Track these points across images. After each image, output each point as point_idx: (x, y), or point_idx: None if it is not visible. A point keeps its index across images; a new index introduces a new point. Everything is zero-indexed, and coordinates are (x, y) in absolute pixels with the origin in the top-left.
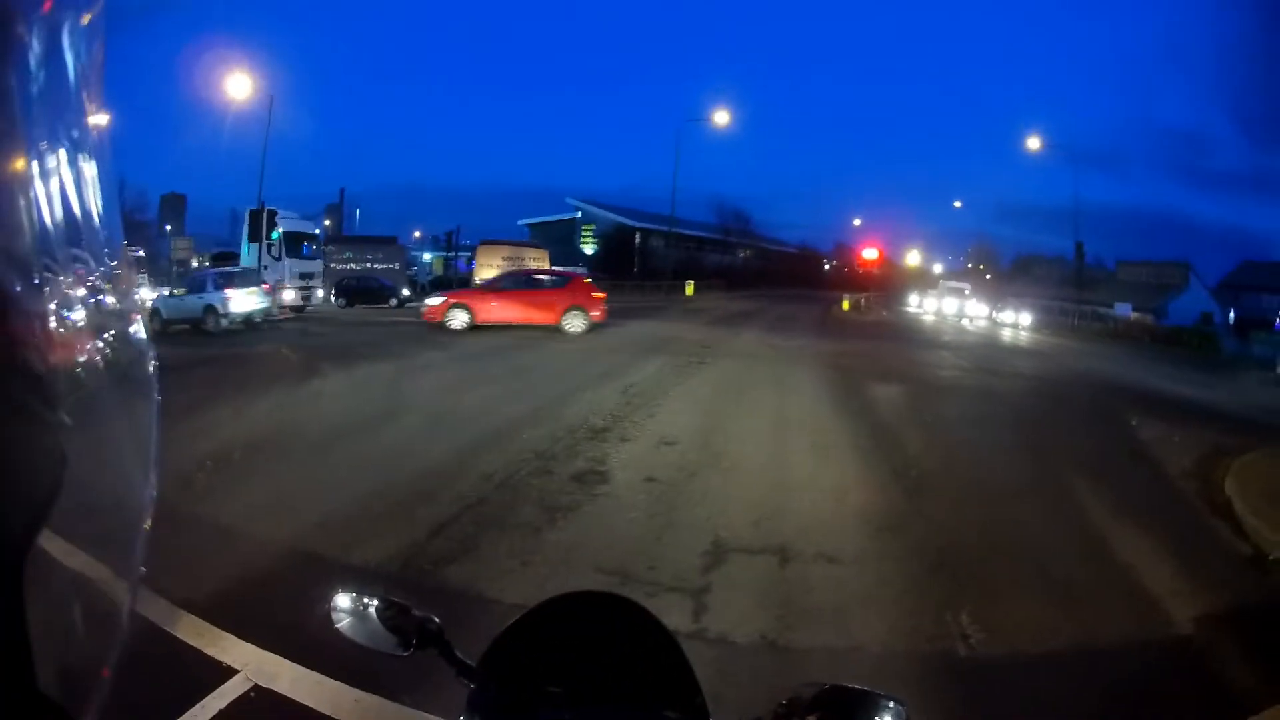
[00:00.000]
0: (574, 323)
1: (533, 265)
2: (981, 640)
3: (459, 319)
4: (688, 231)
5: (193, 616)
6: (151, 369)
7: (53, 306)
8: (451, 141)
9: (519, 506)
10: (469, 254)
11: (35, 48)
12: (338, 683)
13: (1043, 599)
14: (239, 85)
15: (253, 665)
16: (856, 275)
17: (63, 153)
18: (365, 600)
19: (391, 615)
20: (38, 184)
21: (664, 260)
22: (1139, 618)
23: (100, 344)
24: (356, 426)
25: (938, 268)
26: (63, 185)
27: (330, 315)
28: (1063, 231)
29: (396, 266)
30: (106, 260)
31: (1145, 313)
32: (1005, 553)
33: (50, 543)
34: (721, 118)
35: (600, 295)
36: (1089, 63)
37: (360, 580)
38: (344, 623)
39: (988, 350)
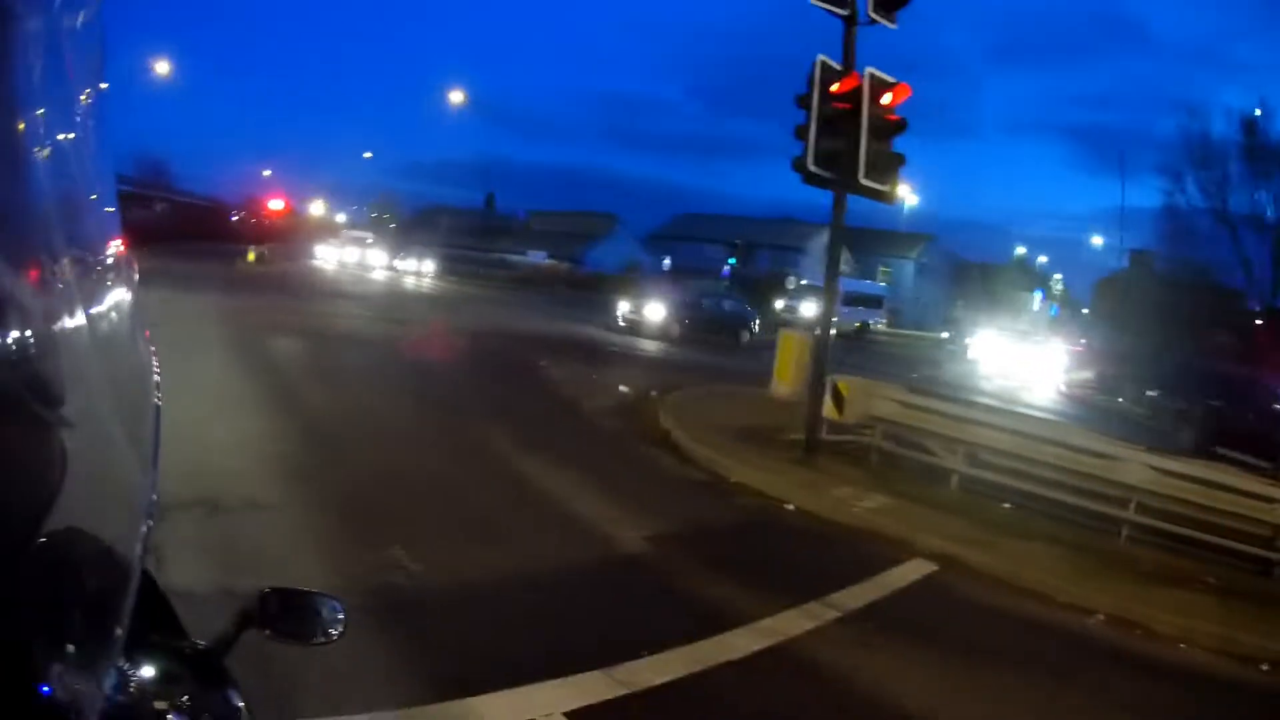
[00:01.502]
0: None
1: None
2: (420, 572)
3: None
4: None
5: None
6: (152, 367)
7: (53, 304)
8: None
9: None
10: None
11: (35, 44)
12: None
13: (489, 535)
14: None
15: None
16: (264, 227)
17: (62, 149)
18: None
19: None
20: (37, 180)
21: None
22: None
23: (101, 342)
24: None
25: (342, 218)
26: (62, 182)
27: None
28: (476, 185)
29: None
30: (106, 257)
31: (562, 260)
32: (438, 495)
33: (50, 542)
34: (160, 68)
35: None
36: (522, 27)
37: None
38: None
39: (385, 300)
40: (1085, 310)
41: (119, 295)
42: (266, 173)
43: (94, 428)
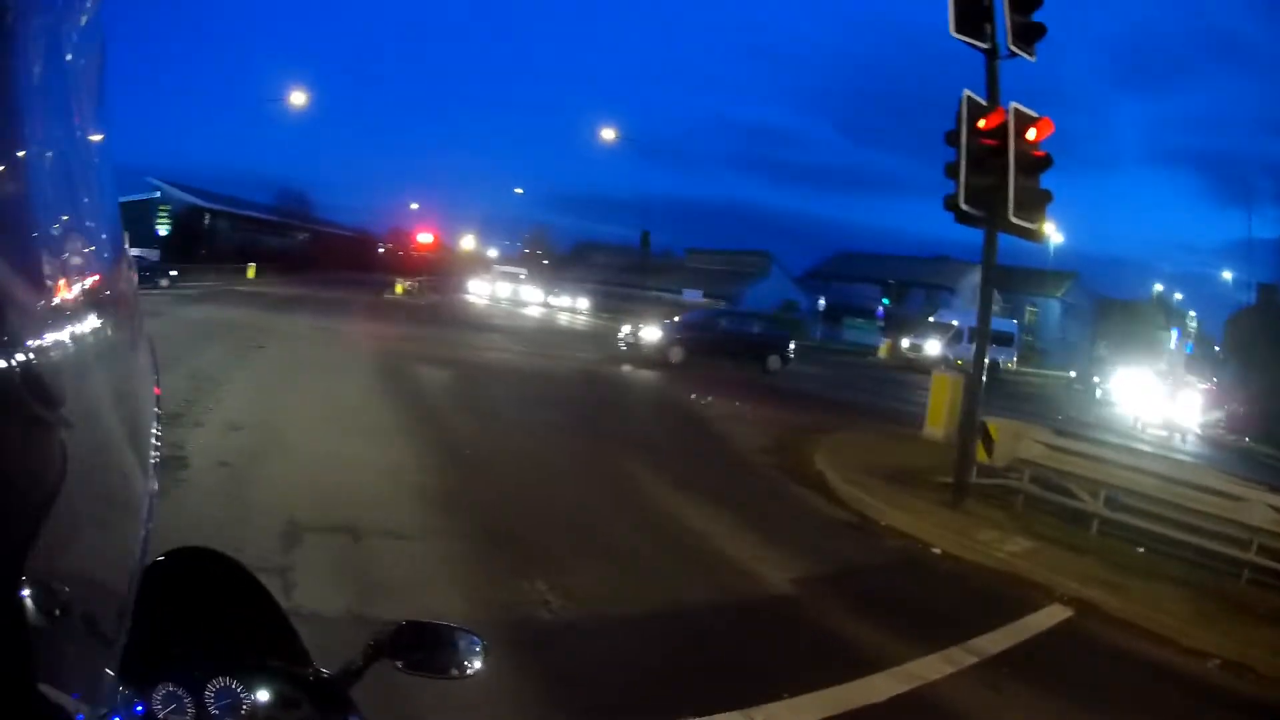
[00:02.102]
0: None
1: None
2: (563, 606)
3: None
4: (251, 214)
5: None
6: (152, 366)
7: (53, 304)
8: None
9: None
10: None
11: (35, 44)
12: None
13: (634, 571)
14: None
15: None
16: (411, 259)
17: (63, 151)
18: None
19: None
20: (37, 182)
21: (228, 241)
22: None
23: (101, 342)
24: None
25: (493, 253)
26: (62, 183)
27: None
28: (627, 222)
29: None
30: (107, 257)
31: (718, 299)
32: (586, 529)
33: (50, 543)
34: (298, 99)
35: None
36: (663, 59)
37: None
38: None
39: (538, 334)
40: (1218, 348)
41: (119, 295)
42: (415, 205)
43: (94, 428)
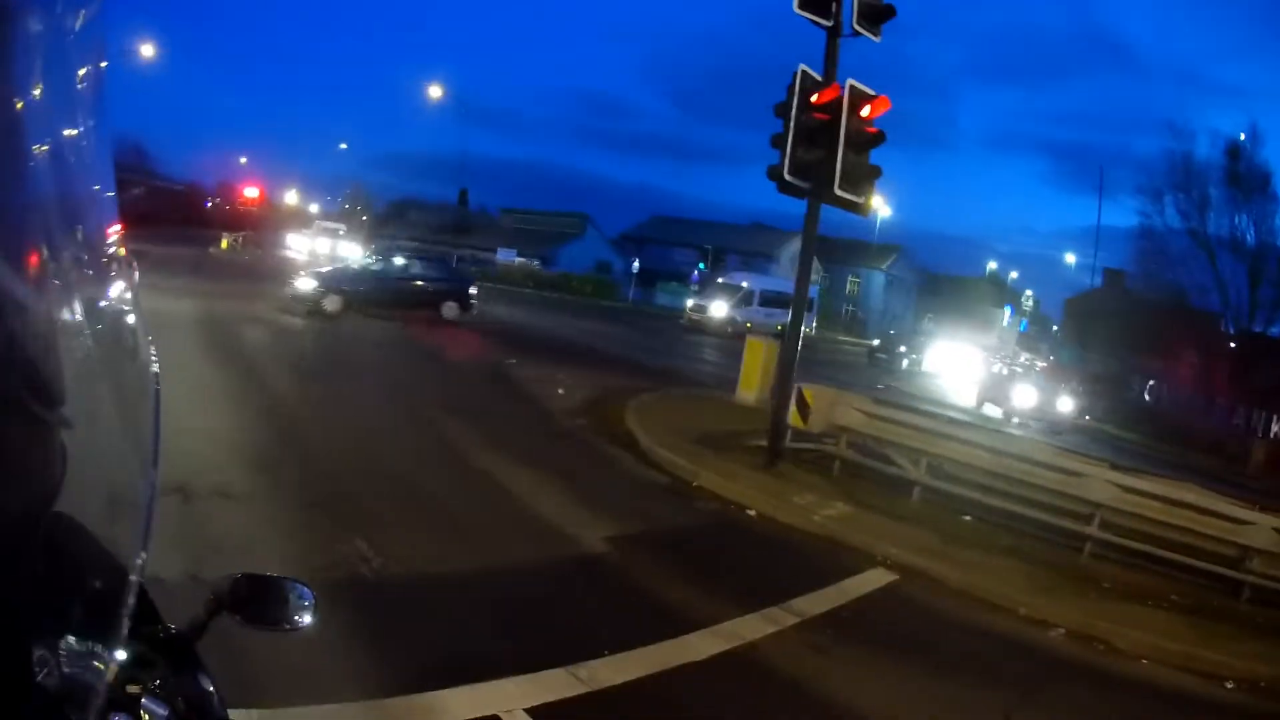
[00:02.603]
0: None
1: None
2: (383, 565)
3: None
4: None
5: None
6: (152, 364)
7: (53, 303)
8: None
9: None
10: None
11: (35, 42)
12: None
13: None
14: None
15: None
16: (238, 214)
17: (61, 149)
18: None
19: None
20: (36, 180)
21: None
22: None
23: (101, 340)
24: None
25: (315, 208)
26: (61, 181)
27: None
28: (450, 180)
29: None
30: (107, 256)
31: (533, 259)
32: (398, 490)
33: (51, 541)
34: (142, 50)
35: None
36: (501, 25)
37: None
38: None
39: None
40: (1055, 328)
41: (119, 294)
42: (243, 160)
43: (94, 427)
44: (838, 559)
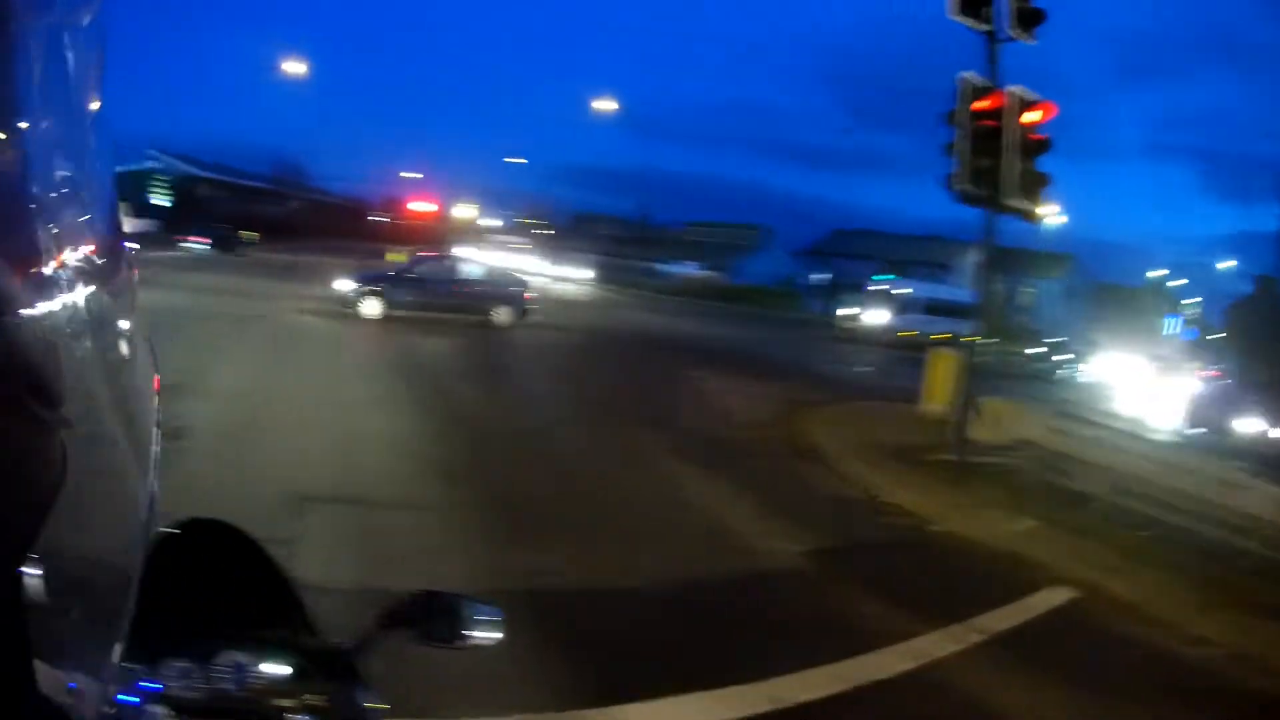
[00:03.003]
0: None
1: None
2: (569, 575)
3: None
4: (245, 182)
5: None
6: (152, 363)
7: (53, 304)
8: None
9: None
10: None
11: (35, 43)
12: None
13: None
14: None
15: None
16: (406, 228)
17: (63, 150)
18: None
19: None
20: (37, 180)
21: (223, 210)
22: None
23: (101, 342)
24: None
25: (494, 222)
26: (63, 181)
27: None
28: (624, 193)
29: None
30: (107, 257)
31: (715, 272)
32: (585, 499)
33: (51, 544)
34: (295, 67)
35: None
36: (675, 36)
37: None
38: None
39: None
40: (1217, 336)
41: (119, 295)
42: (413, 175)
43: (94, 428)
44: (1019, 575)
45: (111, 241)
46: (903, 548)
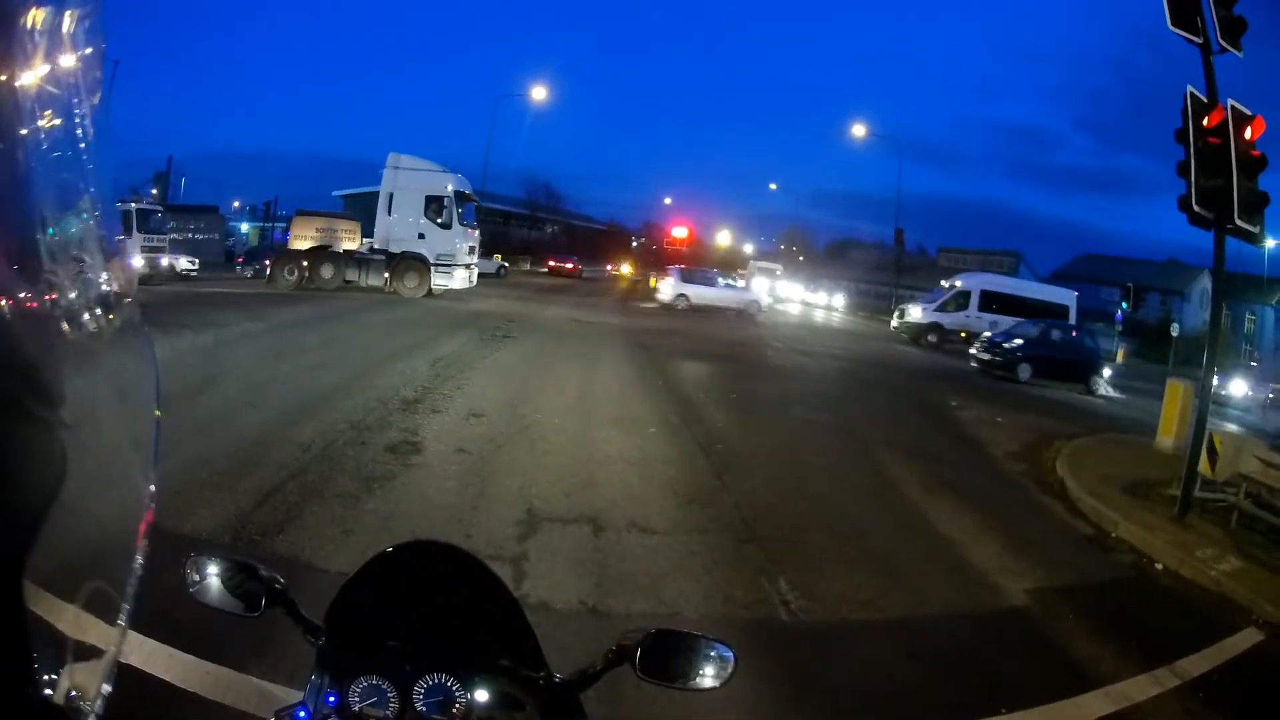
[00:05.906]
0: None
1: (345, 236)
2: (804, 608)
3: None
4: (497, 205)
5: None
6: (152, 363)
7: (53, 305)
8: (271, 109)
9: (336, 477)
10: (285, 224)
11: (37, 45)
12: (189, 655)
13: (870, 569)
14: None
15: None
16: (665, 253)
17: (61, 150)
18: (213, 563)
19: (240, 577)
20: (37, 182)
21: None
22: (976, 591)
23: (101, 342)
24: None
25: (749, 248)
26: (62, 185)
27: None
28: (881, 219)
29: (216, 237)
30: (106, 256)
31: None
32: (829, 527)
33: (50, 543)
34: (539, 93)
35: None
36: (921, 57)
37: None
38: (195, 587)
39: (798, 330)
40: None
41: (118, 296)
42: (668, 200)
43: (94, 428)
44: (1221, 615)
45: (110, 242)
46: (1124, 587)
